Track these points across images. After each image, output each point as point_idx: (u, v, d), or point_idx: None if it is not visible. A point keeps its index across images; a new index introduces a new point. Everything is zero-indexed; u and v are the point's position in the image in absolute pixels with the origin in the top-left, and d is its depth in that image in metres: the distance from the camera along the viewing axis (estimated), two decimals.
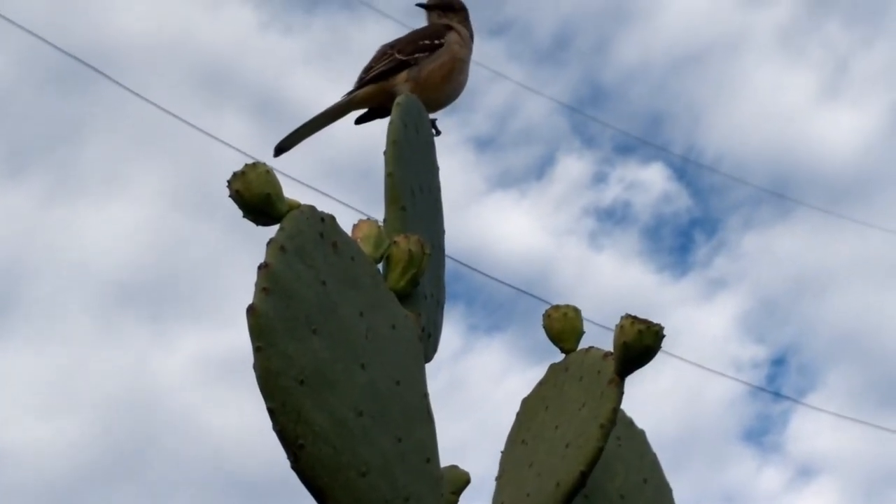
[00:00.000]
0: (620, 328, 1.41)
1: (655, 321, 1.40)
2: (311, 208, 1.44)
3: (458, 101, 2.31)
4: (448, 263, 1.94)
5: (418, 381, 1.53)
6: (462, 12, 2.40)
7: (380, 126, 2.18)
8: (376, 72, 2.21)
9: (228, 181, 1.40)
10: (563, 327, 1.61)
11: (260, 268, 1.32)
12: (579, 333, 1.62)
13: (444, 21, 2.35)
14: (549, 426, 1.53)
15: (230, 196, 1.40)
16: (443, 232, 1.96)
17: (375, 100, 2.23)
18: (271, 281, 1.31)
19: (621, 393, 1.42)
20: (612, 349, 1.46)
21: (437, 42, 2.24)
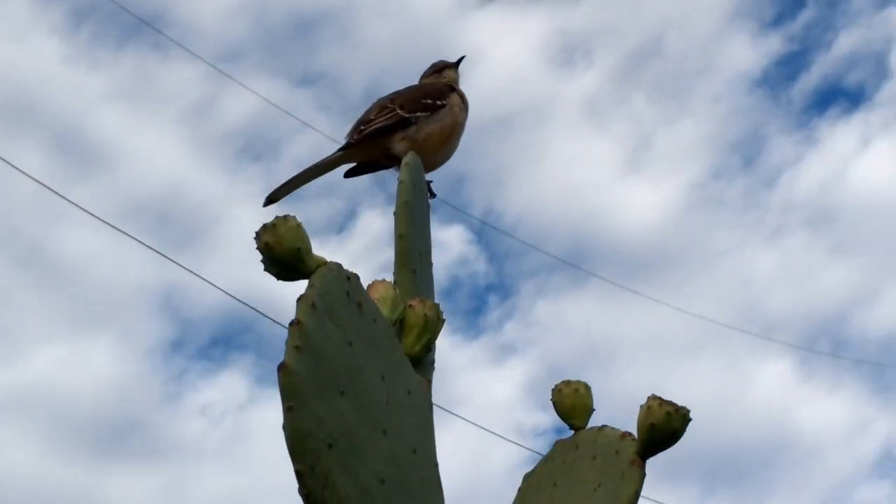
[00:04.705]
0: (648, 409, 1.39)
1: (681, 404, 1.39)
2: (339, 266, 1.39)
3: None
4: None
5: (431, 450, 1.49)
6: (454, 72, 2.37)
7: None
8: (375, 126, 2.13)
9: (257, 233, 1.34)
10: (573, 403, 1.57)
11: (291, 324, 1.27)
12: (590, 410, 1.58)
13: (441, 81, 2.31)
14: (559, 503, 1.50)
15: (258, 248, 1.35)
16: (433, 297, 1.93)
17: (370, 155, 2.17)
18: (303, 339, 1.26)
19: (643, 475, 1.40)
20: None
21: (439, 103, 2.18)
